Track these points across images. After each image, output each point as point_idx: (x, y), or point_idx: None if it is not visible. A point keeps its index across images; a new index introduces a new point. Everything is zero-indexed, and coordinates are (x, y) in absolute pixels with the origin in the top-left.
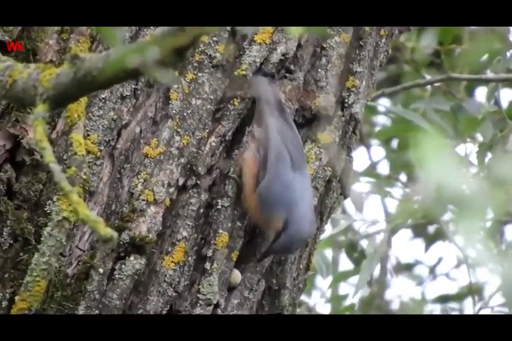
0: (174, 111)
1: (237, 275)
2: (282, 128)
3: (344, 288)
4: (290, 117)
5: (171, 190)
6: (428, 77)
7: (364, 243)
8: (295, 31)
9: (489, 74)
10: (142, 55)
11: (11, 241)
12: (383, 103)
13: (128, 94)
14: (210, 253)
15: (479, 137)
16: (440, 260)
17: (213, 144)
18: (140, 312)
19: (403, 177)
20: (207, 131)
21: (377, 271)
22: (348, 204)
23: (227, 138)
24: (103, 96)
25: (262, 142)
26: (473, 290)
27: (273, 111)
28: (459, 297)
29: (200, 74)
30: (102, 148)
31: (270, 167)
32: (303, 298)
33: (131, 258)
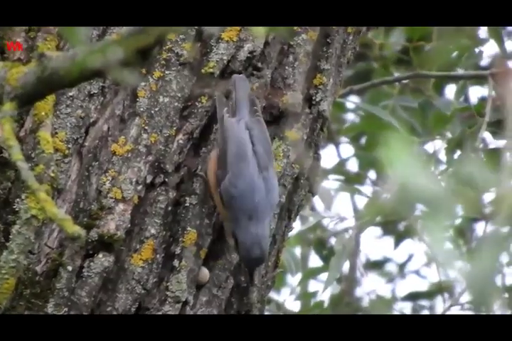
0: (142, 109)
1: (205, 273)
2: (249, 126)
3: (314, 285)
4: (261, 116)
5: (139, 187)
6: (396, 74)
7: (333, 240)
8: (258, 31)
9: (458, 71)
10: (105, 55)
11: None
12: (352, 100)
13: (95, 91)
14: (178, 250)
15: (448, 134)
16: (410, 257)
17: (181, 142)
18: (109, 309)
19: (372, 174)
20: (174, 128)
21: (346, 268)
22: (316, 201)
23: (194, 135)
24: (71, 94)
25: (220, 141)
26: (443, 288)
27: (242, 108)
28: (429, 294)
29: (167, 72)
30: (69, 145)
31: (230, 166)
32: (272, 295)
33: (100, 255)
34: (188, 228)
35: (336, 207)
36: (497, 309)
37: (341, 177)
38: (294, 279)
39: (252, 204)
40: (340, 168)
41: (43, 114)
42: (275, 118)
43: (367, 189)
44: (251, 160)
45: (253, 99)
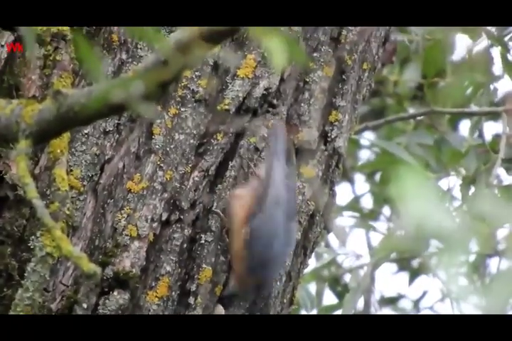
0: (157, 146)
1: (220, 310)
2: (285, 175)
3: None
4: (294, 168)
5: (155, 224)
6: (411, 111)
7: (347, 277)
8: (278, 64)
9: (472, 107)
10: (126, 89)
11: None
12: (367, 137)
13: (111, 129)
14: (193, 287)
15: (462, 170)
16: (424, 293)
17: (196, 179)
18: None
19: (387, 210)
20: (190, 165)
21: (361, 305)
22: (331, 238)
23: (210, 172)
24: (86, 131)
25: (264, 181)
26: None
27: (280, 156)
28: None
29: (183, 109)
30: (85, 183)
31: (266, 207)
32: None
33: (115, 293)
34: (204, 265)
35: (351, 244)
36: None
37: (356, 214)
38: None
39: (268, 250)
40: (354, 204)
41: (58, 151)
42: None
43: (381, 225)
44: (284, 209)
45: (290, 147)
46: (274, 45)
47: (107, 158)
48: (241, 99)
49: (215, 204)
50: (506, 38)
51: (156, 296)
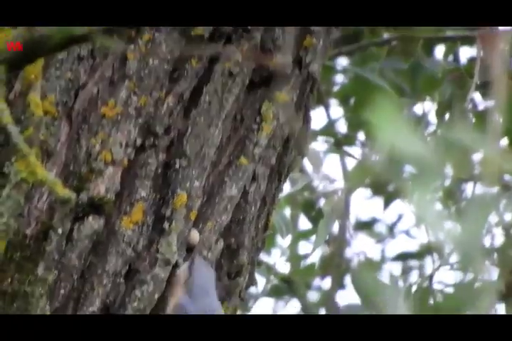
0: (131, 72)
1: (195, 235)
2: None
3: (304, 247)
4: None
5: (129, 150)
6: (385, 36)
7: (322, 202)
8: None
9: (447, 32)
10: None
11: None
12: (341, 62)
13: (85, 54)
14: (168, 213)
15: (437, 96)
16: (400, 218)
17: (171, 104)
18: (99, 272)
19: (361, 136)
20: (164, 91)
21: (336, 230)
22: (306, 163)
23: (184, 97)
24: (60, 57)
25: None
26: (433, 249)
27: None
28: (419, 255)
29: (157, 34)
30: (59, 108)
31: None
32: (262, 256)
33: (90, 218)
34: (178, 190)
35: (325, 169)
36: (485, 270)
37: (330, 139)
38: (284, 241)
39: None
40: (329, 129)
41: (32, 77)
42: (264, 81)
43: (356, 150)
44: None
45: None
46: None
47: (81, 83)
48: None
49: (189, 129)
50: None
51: (131, 222)
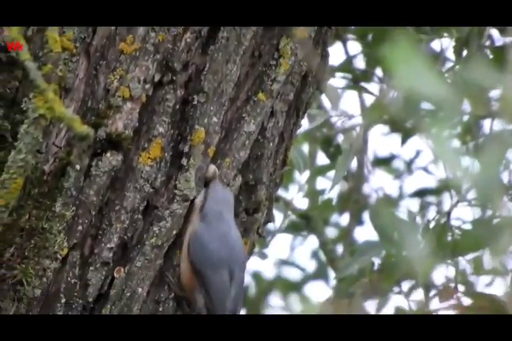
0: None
1: (213, 170)
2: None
3: (322, 183)
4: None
5: (147, 86)
6: None
7: (340, 138)
8: None
9: None
10: None
11: None
12: None
13: None
14: (186, 149)
15: (455, 32)
16: (418, 154)
17: (189, 40)
18: (117, 208)
19: (379, 72)
20: (182, 27)
21: (354, 166)
22: (324, 99)
23: (202, 34)
24: None
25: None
26: (451, 185)
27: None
28: (436, 191)
29: None
30: (77, 44)
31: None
32: (280, 192)
33: (108, 154)
34: (196, 126)
35: (344, 105)
36: (503, 206)
37: (348, 75)
38: (302, 177)
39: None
40: (347, 65)
41: None
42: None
43: (374, 87)
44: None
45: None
46: None
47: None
48: None
49: (207, 65)
50: None
51: (149, 158)
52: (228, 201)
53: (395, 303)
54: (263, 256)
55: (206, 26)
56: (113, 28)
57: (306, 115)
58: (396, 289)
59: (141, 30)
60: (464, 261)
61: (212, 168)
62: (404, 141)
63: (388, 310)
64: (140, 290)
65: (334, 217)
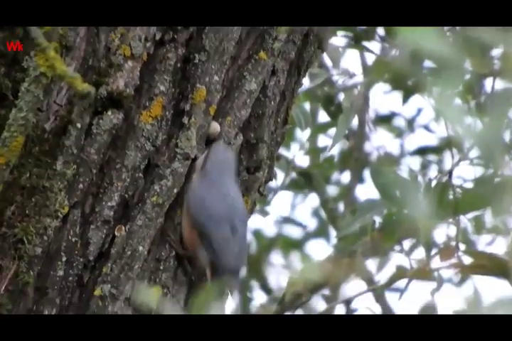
0: None
1: (216, 127)
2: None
3: (323, 141)
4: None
5: (148, 44)
6: None
7: (341, 96)
8: None
9: None
10: None
11: None
12: None
13: None
14: (187, 107)
15: None
16: (419, 112)
17: None
18: (118, 166)
19: (381, 31)
20: None
21: (355, 124)
22: (325, 58)
23: None
24: None
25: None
26: (452, 143)
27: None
28: (438, 149)
29: None
30: None
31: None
32: (282, 151)
33: (109, 112)
34: (198, 85)
35: (345, 64)
36: (505, 165)
37: (350, 34)
38: (303, 134)
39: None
40: None
41: None
42: None
43: (375, 45)
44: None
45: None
46: None
47: None
48: None
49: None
50: None
51: (150, 116)
52: (229, 160)
53: (396, 262)
54: (264, 214)
55: None
56: None
57: (307, 74)
58: (397, 248)
59: None
60: (466, 220)
61: (215, 124)
62: (405, 100)
63: (389, 268)
64: (141, 248)
65: (335, 175)
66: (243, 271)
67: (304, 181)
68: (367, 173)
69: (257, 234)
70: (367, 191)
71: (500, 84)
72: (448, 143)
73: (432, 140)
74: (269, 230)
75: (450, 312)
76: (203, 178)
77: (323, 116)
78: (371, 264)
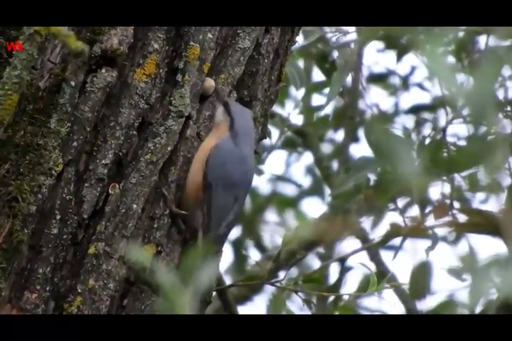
0: None
1: (210, 83)
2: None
3: (317, 99)
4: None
5: None
6: None
7: (335, 54)
8: None
9: None
10: None
11: None
12: None
13: None
14: (181, 65)
15: None
16: (413, 70)
17: None
18: (112, 124)
19: None
20: None
21: (349, 82)
22: None
23: None
24: None
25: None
26: (446, 101)
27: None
28: (432, 107)
29: None
30: None
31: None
32: (276, 109)
33: (103, 70)
34: (191, 42)
35: None
36: (498, 122)
37: None
38: (298, 93)
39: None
40: None
41: None
42: None
43: None
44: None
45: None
46: None
47: None
48: None
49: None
50: None
51: (144, 74)
52: (253, 128)
53: (391, 220)
54: (259, 172)
55: None
56: None
57: (301, 31)
58: (391, 206)
59: None
60: (459, 178)
61: (209, 80)
62: (399, 58)
63: (384, 226)
64: (135, 206)
65: (329, 133)
66: (230, 235)
67: (299, 139)
68: (361, 131)
69: (252, 192)
70: (361, 149)
71: (493, 42)
72: (442, 101)
73: (426, 98)
74: (264, 188)
75: (445, 268)
76: (231, 137)
77: (317, 74)
78: (365, 222)
